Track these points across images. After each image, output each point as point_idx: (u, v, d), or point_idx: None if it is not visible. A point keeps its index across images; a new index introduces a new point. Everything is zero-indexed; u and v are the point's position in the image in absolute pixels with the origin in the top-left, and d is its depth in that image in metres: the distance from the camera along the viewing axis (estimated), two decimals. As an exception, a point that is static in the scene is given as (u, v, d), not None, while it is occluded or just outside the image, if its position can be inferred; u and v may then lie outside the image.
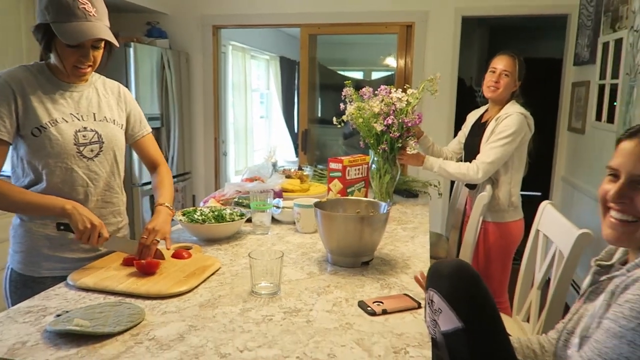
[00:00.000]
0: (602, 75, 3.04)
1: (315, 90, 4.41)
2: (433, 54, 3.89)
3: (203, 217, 1.73)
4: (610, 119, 2.88)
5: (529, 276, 1.76)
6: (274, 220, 1.94)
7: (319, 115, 5.16)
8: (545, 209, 1.70)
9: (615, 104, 2.81)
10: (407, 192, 2.53)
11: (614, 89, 2.87)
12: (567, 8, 3.66)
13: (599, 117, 3.09)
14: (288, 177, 2.25)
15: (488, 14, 3.85)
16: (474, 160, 2.19)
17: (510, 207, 2.25)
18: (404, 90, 2.16)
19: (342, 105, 2.28)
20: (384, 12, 3.93)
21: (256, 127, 6.91)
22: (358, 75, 7.45)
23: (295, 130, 6.92)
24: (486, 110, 2.42)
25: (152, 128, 1.73)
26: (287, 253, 1.59)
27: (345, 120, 2.24)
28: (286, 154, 7.07)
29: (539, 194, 3.96)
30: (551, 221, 1.61)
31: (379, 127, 2.08)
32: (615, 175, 0.97)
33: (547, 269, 1.60)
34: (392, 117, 2.09)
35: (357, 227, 1.40)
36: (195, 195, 4.54)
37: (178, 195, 4.24)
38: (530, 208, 2.15)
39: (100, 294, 1.25)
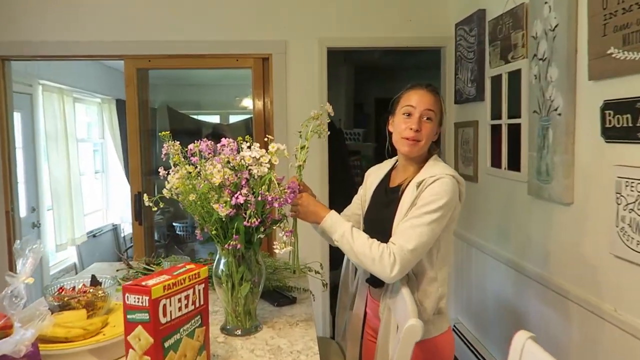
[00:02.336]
0: (496, 114, 2.57)
1: (150, 138, 3.38)
2: (297, 92, 3.18)
3: None
4: (514, 166, 2.39)
5: None
6: None
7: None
8: (526, 347, 0.96)
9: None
10: (279, 295, 1.66)
11: (513, 130, 2.40)
12: (439, 40, 3.24)
13: (496, 163, 2.60)
14: (66, 306, 1.24)
15: (355, 45, 3.28)
16: (390, 244, 1.42)
17: (436, 315, 1.50)
18: (264, 146, 1.32)
19: (161, 171, 1.36)
20: (233, 42, 3.14)
21: (89, 185, 5.57)
22: (215, 119, 6.56)
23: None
24: (393, 168, 1.69)
25: None
26: None
27: (167, 197, 1.32)
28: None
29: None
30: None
31: (223, 211, 1.20)
32: None
33: None
34: (245, 190, 1.23)
35: None
36: (-22, 295, 3.15)
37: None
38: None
39: None
